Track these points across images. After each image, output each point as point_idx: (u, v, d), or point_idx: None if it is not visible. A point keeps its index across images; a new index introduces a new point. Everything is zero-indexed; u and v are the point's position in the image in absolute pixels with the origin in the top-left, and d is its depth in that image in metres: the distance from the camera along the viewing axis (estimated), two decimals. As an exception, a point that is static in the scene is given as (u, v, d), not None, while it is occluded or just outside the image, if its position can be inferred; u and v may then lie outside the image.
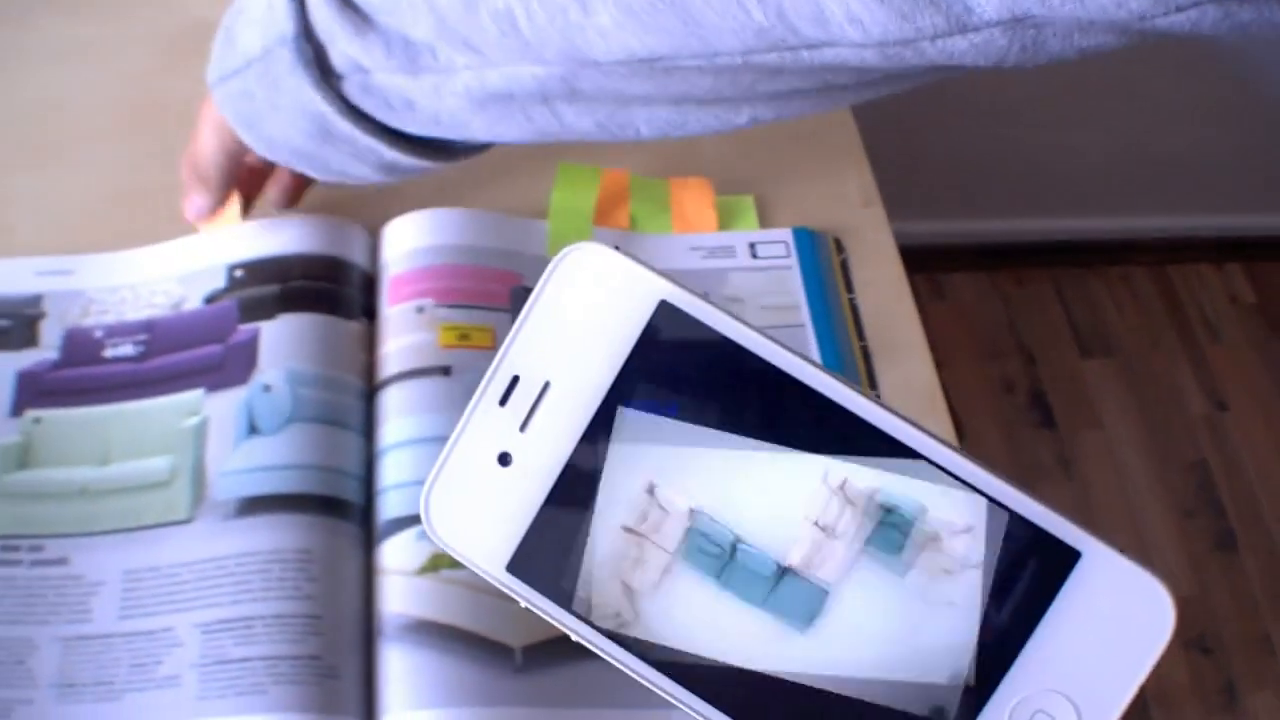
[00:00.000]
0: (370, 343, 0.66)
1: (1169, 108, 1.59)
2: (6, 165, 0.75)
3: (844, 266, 0.73)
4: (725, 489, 0.30)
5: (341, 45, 0.52)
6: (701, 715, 0.30)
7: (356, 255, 0.69)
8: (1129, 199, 1.78)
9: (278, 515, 0.58)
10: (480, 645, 0.56)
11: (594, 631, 0.31)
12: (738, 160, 0.77)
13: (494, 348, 0.65)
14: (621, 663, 0.31)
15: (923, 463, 0.29)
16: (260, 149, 0.59)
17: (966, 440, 0.69)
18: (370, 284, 0.69)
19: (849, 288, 0.72)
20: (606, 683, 0.56)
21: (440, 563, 0.57)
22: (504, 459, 0.31)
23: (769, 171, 0.77)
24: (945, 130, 1.49)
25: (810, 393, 0.30)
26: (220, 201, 0.66)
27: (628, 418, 0.31)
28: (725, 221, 0.74)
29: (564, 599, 0.31)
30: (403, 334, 0.65)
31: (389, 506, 0.60)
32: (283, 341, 0.64)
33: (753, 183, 0.77)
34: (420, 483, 0.60)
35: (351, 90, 0.53)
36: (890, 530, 0.29)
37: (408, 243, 0.69)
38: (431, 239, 0.69)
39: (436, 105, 0.52)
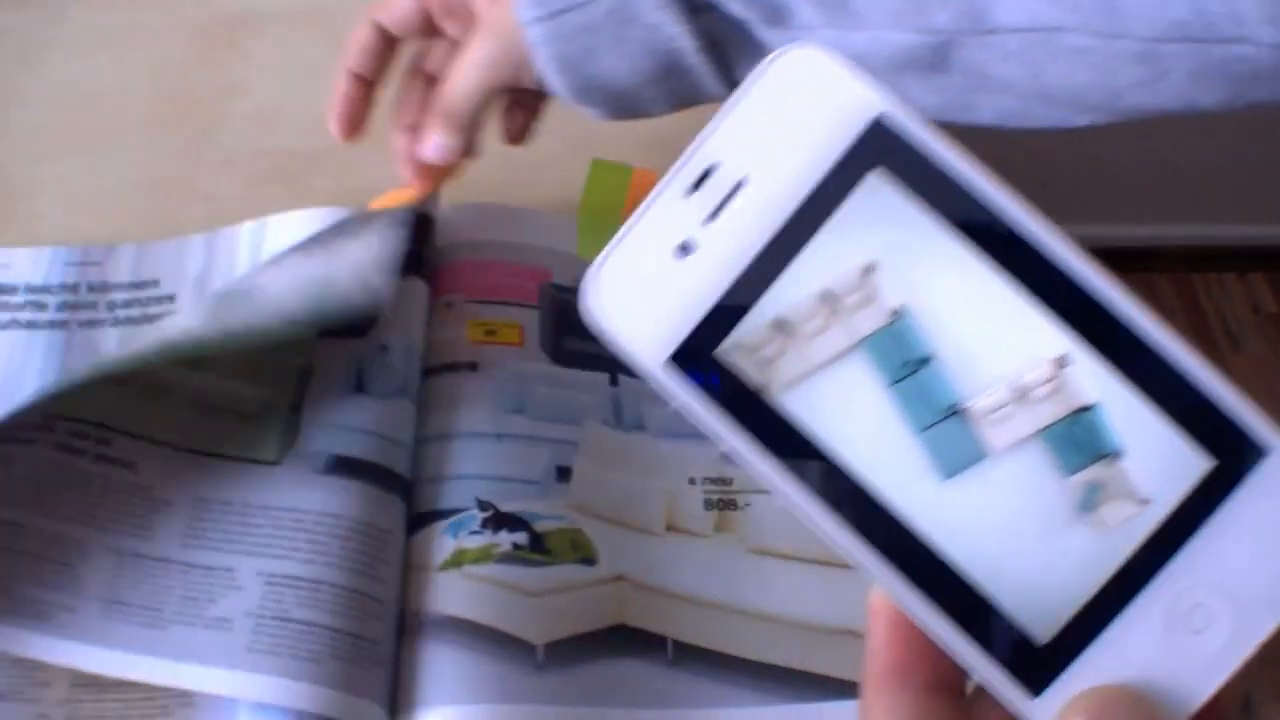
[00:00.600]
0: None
1: (1198, 117, 1.58)
2: (37, 153, 0.75)
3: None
4: (940, 304, 0.29)
5: None
6: (834, 538, 0.29)
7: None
8: (1153, 207, 1.77)
9: (367, 485, 0.57)
10: (502, 642, 0.56)
11: (747, 438, 0.29)
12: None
13: (520, 344, 0.66)
14: (761, 466, 0.29)
15: (1152, 394, 0.28)
16: (566, 88, 0.57)
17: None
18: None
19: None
20: (628, 681, 0.56)
21: (463, 558, 0.57)
22: (685, 248, 0.29)
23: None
24: (972, 136, 1.48)
25: (1046, 260, 0.29)
26: (468, 144, 0.61)
27: (867, 188, 0.29)
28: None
29: (717, 391, 0.29)
30: (432, 329, 0.65)
31: (415, 500, 0.59)
32: (400, 305, 0.63)
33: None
34: (449, 478, 0.60)
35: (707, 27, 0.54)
36: (1079, 437, 0.28)
37: (439, 237, 0.69)
38: (462, 234, 0.69)
39: None
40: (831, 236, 0.29)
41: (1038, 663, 0.28)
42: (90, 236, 0.71)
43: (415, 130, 0.61)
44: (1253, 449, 0.28)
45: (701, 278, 0.29)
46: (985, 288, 0.28)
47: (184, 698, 0.55)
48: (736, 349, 0.29)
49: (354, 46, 0.62)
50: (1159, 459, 0.28)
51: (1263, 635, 0.27)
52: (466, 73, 0.58)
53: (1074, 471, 0.28)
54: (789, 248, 0.29)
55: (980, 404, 0.28)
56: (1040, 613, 0.28)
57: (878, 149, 0.29)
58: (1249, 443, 0.28)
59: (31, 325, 0.67)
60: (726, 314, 0.29)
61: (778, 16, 0.52)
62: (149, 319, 0.67)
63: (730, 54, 0.55)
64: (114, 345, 0.66)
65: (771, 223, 0.29)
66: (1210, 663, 0.28)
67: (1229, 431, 0.28)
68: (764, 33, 0.53)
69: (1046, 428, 0.28)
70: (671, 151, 0.78)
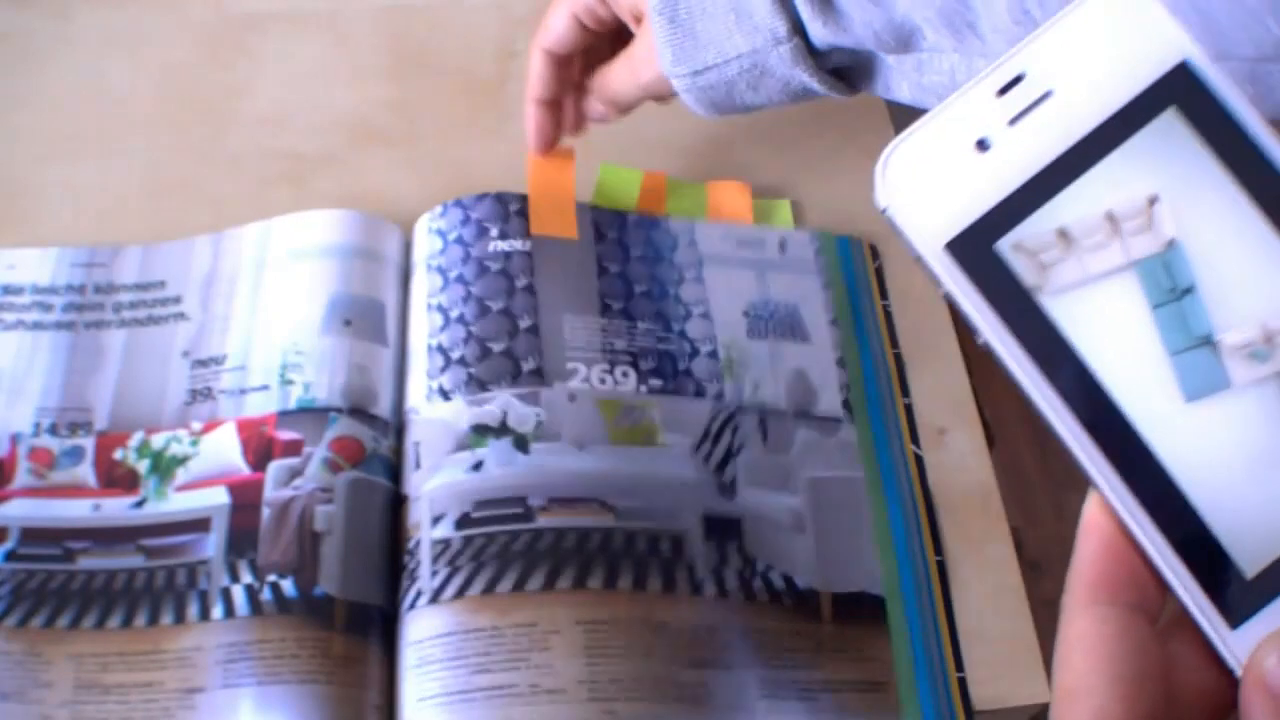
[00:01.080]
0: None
1: None
2: (43, 155, 0.75)
3: (879, 273, 0.72)
4: (1210, 241, 0.30)
5: (827, 36, 0.58)
6: (1071, 443, 0.30)
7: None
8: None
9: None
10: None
11: (1008, 334, 0.30)
12: (773, 164, 0.77)
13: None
14: (1016, 361, 0.30)
15: None
16: (706, 114, 0.64)
17: (996, 449, 0.68)
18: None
19: (883, 294, 0.72)
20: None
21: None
22: (983, 144, 0.31)
23: (805, 176, 0.77)
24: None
25: None
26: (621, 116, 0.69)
27: (1161, 123, 0.31)
28: (761, 225, 0.73)
29: (987, 283, 0.30)
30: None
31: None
32: None
33: (788, 187, 0.76)
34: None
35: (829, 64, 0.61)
36: None
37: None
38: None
39: (903, 80, 0.60)
40: (1121, 162, 0.31)
41: (1243, 595, 0.29)
42: (97, 238, 0.71)
43: (549, 105, 0.68)
44: None
45: (993, 175, 0.31)
46: (1254, 233, 0.30)
47: (186, 699, 0.55)
48: (1016, 248, 0.30)
49: (532, 78, 0.67)
50: None
51: None
52: (630, 80, 0.65)
53: None
54: (1080, 165, 0.31)
55: (1232, 338, 0.30)
56: (1253, 547, 0.29)
57: (1177, 89, 0.30)
58: None
59: (38, 326, 0.67)
60: (1010, 213, 0.31)
61: (904, 45, 0.57)
62: (155, 320, 0.67)
63: (856, 76, 0.62)
64: (120, 346, 0.66)
65: (1068, 138, 0.31)
66: None
67: None
68: (890, 59, 0.59)
69: None
70: (674, 155, 0.78)
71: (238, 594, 0.58)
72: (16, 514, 0.61)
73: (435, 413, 0.63)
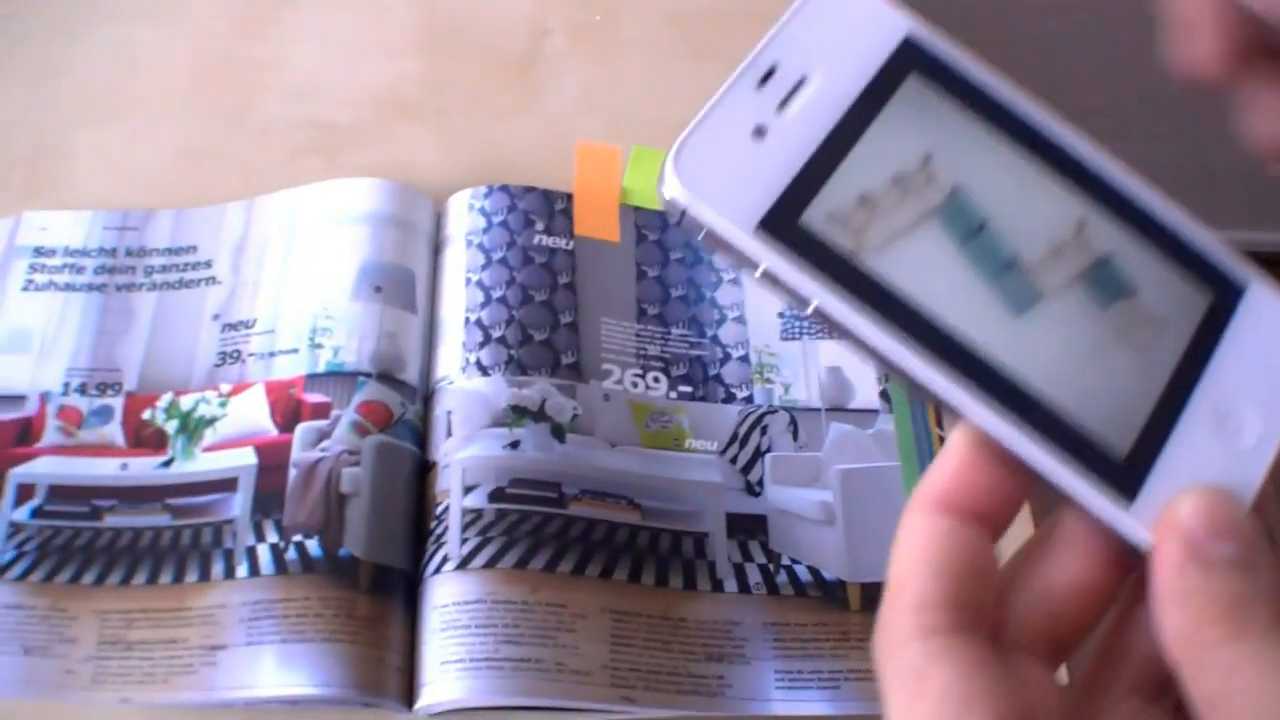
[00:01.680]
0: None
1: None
2: (77, 121, 0.75)
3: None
4: (983, 182, 0.33)
5: None
6: (926, 380, 0.32)
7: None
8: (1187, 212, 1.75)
9: None
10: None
11: (834, 289, 0.32)
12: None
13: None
14: (854, 320, 0.32)
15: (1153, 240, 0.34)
16: None
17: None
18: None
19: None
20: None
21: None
22: (760, 131, 0.33)
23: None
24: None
25: (1056, 143, 0.34)
26: None
27: (910, 90, 0.34)
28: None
29: (807, 253, 0.32)
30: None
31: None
32: None
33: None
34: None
35: None
36: (1104, 280, 0.33)
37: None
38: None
39: None
40: (886, 128, 0.33)
41: (1124, 473, 0.31)
42: (128, 203, 0.71)
43: None
44: (1235, 285, 0.34)
45: (779, 158, 0.32)
46: (1013, 167, 0.34)
47: (208, 656, 0.55)
48: (826, 218, 0.32)
49: None
50: (1169, 296, 0.34)
51: None
52: None
53: (1105, 307, 0.33)
54: (852, 137, 0.33)
55: (1029, 258, 0.33)
56: (1114, 428, 0.32)
57: (910, 59, 0.34)
58: (1232, 280, 0.34)
59: (69, 288, 0.67)
60: (808, 189, 0.32)
61: None
62: (186, 284, 0.68)
63: None
64: (151, 308, 0.67)
65: (834, 115, 0.33)
66: (1254, 455, 0.32)
67: (1215, 272, 0.34)
68: None
69: (1079, 274, 0.33)
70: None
71: (263, 553, 0.58)
72: (44, 471, 0.61)
73: (471, 385, 0.63)
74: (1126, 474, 0.32)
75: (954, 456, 0.32)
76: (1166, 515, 0.31)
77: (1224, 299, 0.34)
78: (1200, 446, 0.32)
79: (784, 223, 0.32)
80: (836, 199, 0.32)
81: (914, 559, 0.31)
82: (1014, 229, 0.33)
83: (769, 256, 0.32)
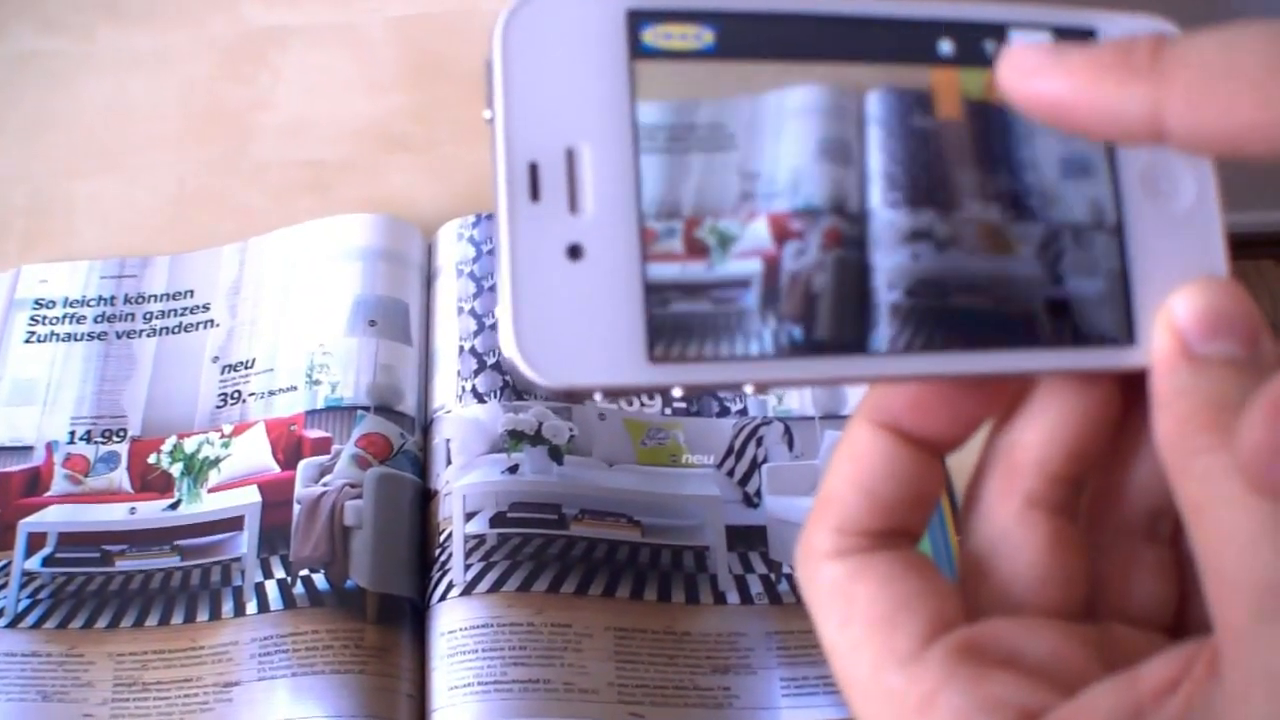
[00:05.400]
0: (426, 339, 0.67)
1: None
2: (71, 171, 0.76)
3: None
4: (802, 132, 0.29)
5: None
6: (892, 372, 0.28)
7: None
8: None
9: None
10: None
11: (762, 363, 0.27)
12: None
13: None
14: (796, 376, 0.28)
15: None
16: None
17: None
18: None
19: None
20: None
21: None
22: (574, 251, 0.27)
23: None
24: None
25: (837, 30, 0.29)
26: None
27: (680, 73, 0.28)
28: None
29: (739, 346, 0.27)
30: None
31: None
32: None
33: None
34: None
35: None
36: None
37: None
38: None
39: None
40: (698, 145, 0.28)
41: (1109, 312, 0.29)
42: (126, 250, 0.72)
43: None
44: (1083, 32, 0.30)
45: (613, 262, 0.27)
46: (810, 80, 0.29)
47: (223, 693, 0.56)
48: (710, 299, 0.27)
49: None
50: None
51: (1211, 166, 0.30)
52: None
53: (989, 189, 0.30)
54: (672, 185, 0.28)
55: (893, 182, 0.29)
56: (1072, 278, 0.29)
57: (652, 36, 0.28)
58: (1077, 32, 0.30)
59: (70, 338, 0.68)
60: (667, 281, 0.27)
61: None
62: (185, 328, 0.69)
63: None
64: (151, 354, 0.68)
65: (630, 170, 0.27)
66: (1199, 214, 0.30)
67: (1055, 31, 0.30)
68: None
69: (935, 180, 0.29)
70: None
71: (271, 589, 0.59)
72: (54, 520, 0.62)
73: (468, 412, 0.64)
74: (1109, 315, 0.29)
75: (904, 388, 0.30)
76: (1161, 315, 0.29)
77: None
78: (1149, 224, 0.29)
79: (673, 333, 0.27)
80: (715, 270, 0.27)
81: (846, 476, 0.29)
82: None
83: (677, 378, 0.27)
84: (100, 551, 0.61)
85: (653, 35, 0.28)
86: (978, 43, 0.29)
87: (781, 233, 0.28)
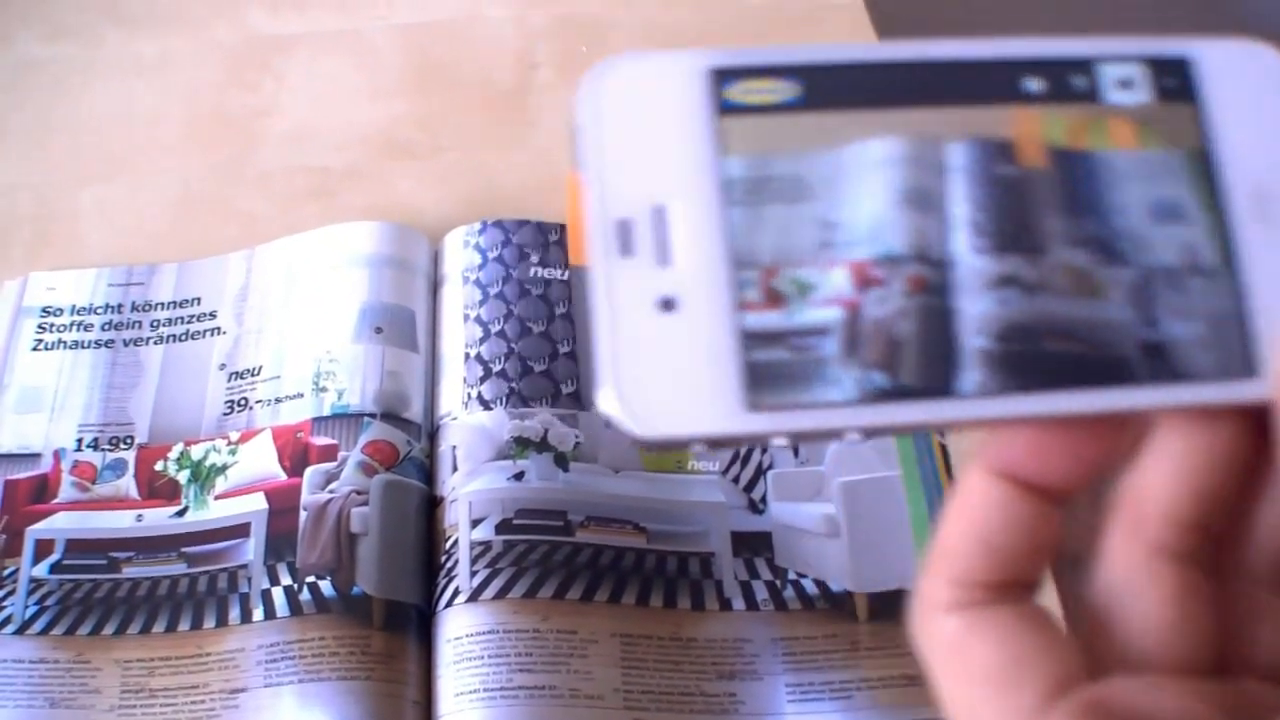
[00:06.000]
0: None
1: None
2: (78, 179, 0.77)
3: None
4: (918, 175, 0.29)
5: None
6: (1012, 412, 0.28)
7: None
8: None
9: None
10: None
11: (864, 408, 0.27)
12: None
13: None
14: (901, 422, 0.28)
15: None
16: None
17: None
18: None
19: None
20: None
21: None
22: (667, 304, 0.27)
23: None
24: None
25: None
26: None
27: (765, 130, 0.28)
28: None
29: (835, 392, 0.27)
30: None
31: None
32: None
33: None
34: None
35: None
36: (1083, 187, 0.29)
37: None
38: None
39: None
40: (786, 196, 0.28)
41: (1225, 343, 0.28)
42: (132, 258, 0.73)
43: None
44: (1181, 65, 0.29)
45: (708, 314, 0.27)
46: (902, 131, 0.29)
47: (230, 700, 0.56)
48: (801, 347, 0.27)
49: None
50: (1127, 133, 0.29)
51: None
52: None
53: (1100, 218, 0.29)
54: (759, 238, 0.28)
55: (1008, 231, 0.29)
56: (1192, 310, 0.28)
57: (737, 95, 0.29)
58: (1172, 63, 0.29)
59: (77, 345, 0.68)
60: (763, 328, 0.27)
61: None
62: (191, 335, 0.69)
63: None
64: (158, 361, 0.68)
65: (719, 223, 0.28)
66: None
67: (1154, 65, 0.29)
68: None
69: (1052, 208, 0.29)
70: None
71: (278, 596, 0.59)
72: (62, 527, 0.62)
73: (474, 419, 0.64)
74: (1225, 346, 0.28)
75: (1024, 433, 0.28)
76: (1276, 352, 0.27)
77: (1177, 88, 0.29)
78: (1271, 259, 0.28)
79: (770, 384, 0.27)
80: (798, 318, 0.27)
81: (962, 526, 0.28)
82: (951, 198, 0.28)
83: (777, 426, 0.27)
84: (107, 558, 0.61)
85: (736, 92, 0.28)
86: (1065, 79, 0.29)
87: (863, 280, 0.28)
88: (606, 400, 0.27)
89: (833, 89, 0.29)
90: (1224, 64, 0.29)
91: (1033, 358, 0.28)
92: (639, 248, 0.27)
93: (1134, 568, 0.28)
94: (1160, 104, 0.29)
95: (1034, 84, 0.29)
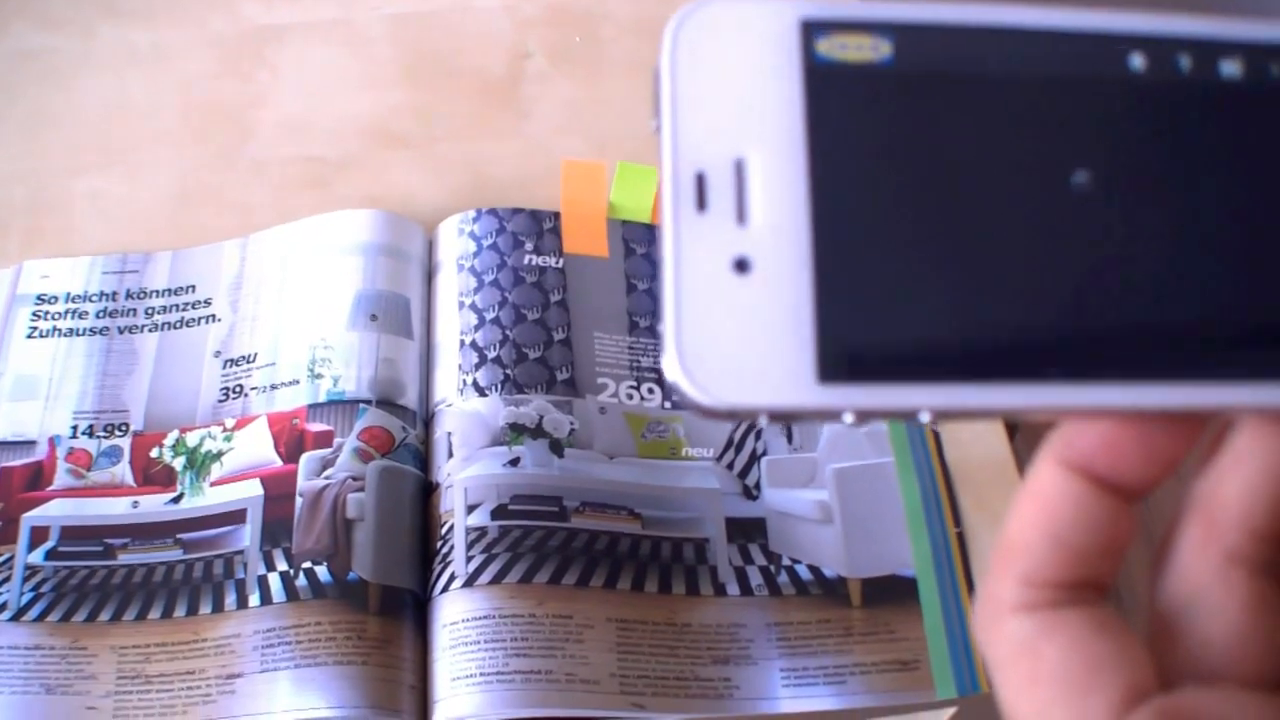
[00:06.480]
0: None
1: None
2: (73, 168, 0.77)
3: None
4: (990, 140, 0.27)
5: None
6: (1092, 403, 0.26)
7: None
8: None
9: None
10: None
11: (942, 389, 0.26)
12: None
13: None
14: (976, 405, 0.26)
15: None
16: None
17: (1019, 435, 0.68)
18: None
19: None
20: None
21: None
22: (741, 265, 0.25)
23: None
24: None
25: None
26: None
27: (854, 88, 0.26)
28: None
29: (888, 373, 0.25)
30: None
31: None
32: None
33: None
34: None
35: None
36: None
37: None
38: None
39: None
40: (867, 154, 0.26)
41: None
42: (127, 247, 0.73)
43: None
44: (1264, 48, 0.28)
45: (783, 278, 0.26)
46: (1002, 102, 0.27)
47: (226, 685, 0.56)
48: (882, 319, 0.26)
49: None
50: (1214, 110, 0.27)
51: None
52: None
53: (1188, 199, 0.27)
54: (842, 199, 0.26)
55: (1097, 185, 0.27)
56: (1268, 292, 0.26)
57: (829, 54, 0.27)
58: (1258, 46, 0.28)
59: (72, 333, 0.68)
60: (841, 295, 0.26)
61: None
62: (187, 323, 0.69)
63: None
64: (153, 349, 0.68)
65: (804, 183, 0.26)
66: None
67: (1238, 48, 0.28)
68: None
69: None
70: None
71: (274, 581, 0.59)
72: (57, 514, 0.62)
73: (469, 405, 0.65)
74: None
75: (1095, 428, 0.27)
76: None
77: (1258, 67, 0.27)
78: None
79: (844, 356, 0.25)
80: (881, 281, 0.26)
81: (1033, 522, 0.27)
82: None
83: (849, 401, 0.25)
84: (103, 545, 0.61)
85: (828, 45, 0.27)
86: (1171, 55, 0.27)
87: None
88: (670, 365, 0.25)
89: (929, 51, 0.27)
90: None
91: (1118, 345, 0.26)
92: (715, 203, 0.26)
93: (1208, 576, 0.27)
94: (1266, 90, 0.27)
95: (1138, 59, 0.27)
